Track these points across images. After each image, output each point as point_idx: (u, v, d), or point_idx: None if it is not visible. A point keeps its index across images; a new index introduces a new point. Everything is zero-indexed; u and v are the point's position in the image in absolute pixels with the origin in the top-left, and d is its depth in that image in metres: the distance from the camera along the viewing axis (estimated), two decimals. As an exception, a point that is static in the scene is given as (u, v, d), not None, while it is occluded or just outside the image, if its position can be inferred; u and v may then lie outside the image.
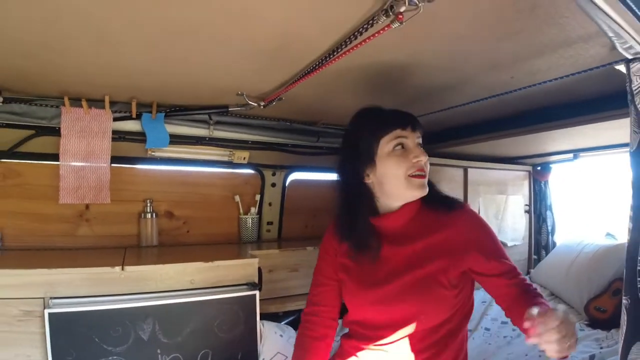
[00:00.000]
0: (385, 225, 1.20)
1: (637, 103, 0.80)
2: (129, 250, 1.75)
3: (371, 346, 1.19)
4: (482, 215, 2.66)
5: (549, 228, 3.04)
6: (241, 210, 2.16)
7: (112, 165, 1.79)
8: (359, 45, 1.09)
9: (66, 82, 1.49)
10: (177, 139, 1.90)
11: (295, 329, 1.78)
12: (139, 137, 1.82)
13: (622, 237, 2.46)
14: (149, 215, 1.92)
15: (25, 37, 1.07)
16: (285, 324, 1.85)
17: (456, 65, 1.35)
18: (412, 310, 1.12)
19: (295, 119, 2.08)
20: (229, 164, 2.11)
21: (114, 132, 1.74)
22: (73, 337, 1.29)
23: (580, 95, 1.64)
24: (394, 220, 1.19)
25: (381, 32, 1.01)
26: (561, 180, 3.07)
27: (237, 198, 2.15)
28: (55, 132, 1.68)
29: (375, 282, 1.18)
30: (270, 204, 2.26)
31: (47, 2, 0.90)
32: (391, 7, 0.94)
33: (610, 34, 0.99)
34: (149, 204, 1.93)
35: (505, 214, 2.80)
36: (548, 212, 3.05)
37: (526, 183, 3.02)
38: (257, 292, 1.54)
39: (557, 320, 0.79)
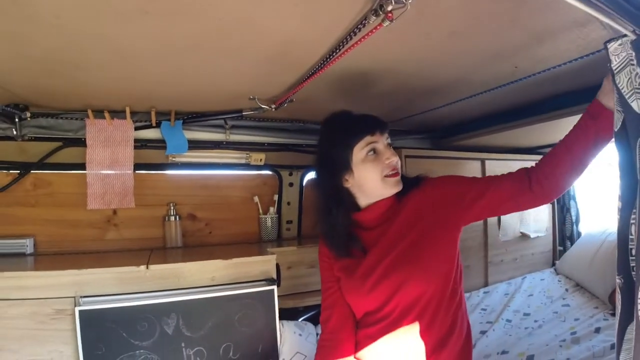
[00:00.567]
0: (367, 217, 1.28)
1: (617, 82, 0.82)
2: (154, 252, 1.84)
3: (381, 329, 1.24)
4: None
5: (573, 218, 2.98)
6: (260, 210, 2.24)
7: (136, 172, 1.90)
8: (355, 46, 1.12)
9: (89, 96, 1.60)
10: (195, 144, 1.99)
11: (315, 324, 1.84)
12: (160, 144, 1.92)
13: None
14: (172, 218, 2.02)
15: (51, 57, 1.18)
16: (305, 319, 1.90)
17: (455, 60, 1.37)
18: (400, 278, 1.18)
19: (307, 120, 2.14)
20: (247, 166, 2.19)
21: (136, 140, 1.85)
22: (102, 332, 1.38)
23: (593, 79, 1.62)
24: (375, 210, 1.27)
25: (374, 31, 1.04)
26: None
27: (256, 199, 2.23)
28: (81, 143, 1.80)
29: (366, 272, 1.25)
30: (288, 203, 2.32)
31: (70, 28, 0.99)
32: (380, 6, 0.98)
33: (603, 19, 1.00)
34: (172, 208, 2.03)
35: (527, 205, 2.76)
36: (572, 202, 2.99)
37: (548, 173, 2.96)
38: (275, 287, 1.60)
39: None
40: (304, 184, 2.35)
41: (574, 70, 1.46)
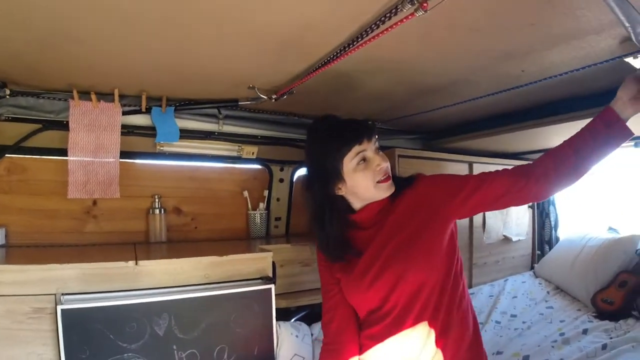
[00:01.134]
0: (362, 217, 1.28)
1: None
2: (138, 247, 1.73)
3: (385, 327, 1.23)
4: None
5: (552, 223, 3.06)
6: (250, 206, 2.15)
7: (121, 160, 1.76)
8: (379, 35, 1.08)
9: (76, 74, 1.47)
10: (186, 134, 1.88)
11: (308, 324, 1.78)
12: (148, 131, 1.81)
13: (624, 230, 2.49)
14: (157, 211, 1.91)
15: (38, 25, 1.05)
16: (298, 319, 1.84)
17: (469, 59, 1.35)
18: (398, 271, 1.19)
19: (304, 114, 2.07)
20: (237, 159, 2.10)
21: (123, 126, 1.72)
22: (86, 334, 1.26)
23: (586, 88, 1.65)
24: (369, 211, 1.27)
25: (404, 20, 1.00)
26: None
27: (246, 193, 2.14)
28: (63, 126, 1.65)
29: (364, 268, 1.25)
30: (278, 200, 2.25)
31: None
32: (415, -6, 0.94)
33: (627, 24, 1.00)
34: (157, 200, 1.92)
35: (510, 209, 2.80)
36: (551, 207, 3.07)
37: (529, 178, 3.02)
38: (272, 286, 1.53)
39: None
40: (295, 180, 2.29)
41: (571, 79, 1.48)
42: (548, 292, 2.50)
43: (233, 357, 1.45)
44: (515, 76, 1.48)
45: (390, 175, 1.23)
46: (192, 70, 1.44)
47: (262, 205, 2.16)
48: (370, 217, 1.27)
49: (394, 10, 0.99)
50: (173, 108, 1.76)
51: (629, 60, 1.22)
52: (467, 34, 1.15)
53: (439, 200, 1.23)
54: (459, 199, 1.21)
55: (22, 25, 1.05)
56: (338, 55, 1.24)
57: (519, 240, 2.88)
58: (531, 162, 1.21)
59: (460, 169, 2.56)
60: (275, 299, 1.55)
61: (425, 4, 0.94)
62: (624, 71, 1.30)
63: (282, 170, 2.22)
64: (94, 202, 1.82)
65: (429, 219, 1.22)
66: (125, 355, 1.30)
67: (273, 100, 1.65)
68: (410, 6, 0.95)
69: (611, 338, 1.79)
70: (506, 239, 2.78)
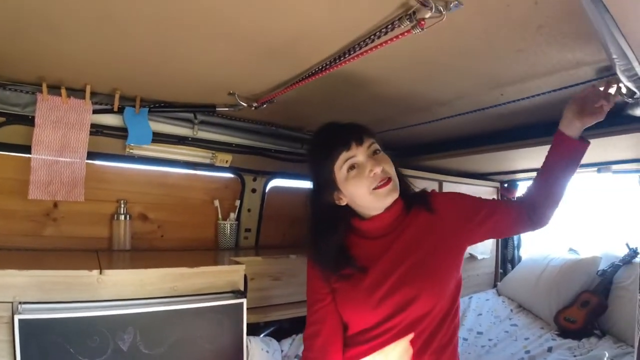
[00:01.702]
0: (372, 227, 1.22)
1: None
2: (100, 254, 1.62)
3: (375, 346, 1.16)
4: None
5: (515, 243, 3.14)
6: (220, 216, 2.07)
7: (87, 161, 1.65)
8: (372, 50, 1.07)
9: (45, 66, 1.37)
10: (158, 137, 1.79)
11: (277, 339, 1.73)
12: (118, 132, 1.71)
13: (584, 252, 2.59)
14: (122, 217, 1.81)
15: (11, 6, 0.96)
16: (267, 334, 1.78)
17: (453, 81, 1.38)
18: (412, 293, 1.11)
19: (281, 124, 2.04)
20: (210, 167, 2.02)
21: (92, 125, 1.62)
22: (45, 346, 1.16)
23: (554, 115, 1.68)
24: (380, 221, 1.20)
25: (400, 37, 1.00)
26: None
27: (217, 203, 2.06)
28: (28, 121, 1.54)
29: (373, 284, 1.16)
30: (249, 210, 2.19)
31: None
32: (414, 12, 0.93)
33: (614, 56, 1.03)
34: (122, 205, 1.82)
35: (475, 227, 2.85)
36: (514, 227, 3.14)
37: (495, 199, 3.10)
38: (244, 301, 1.47)
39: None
40: (267, 190, 2.23)
41: (545, 104, 1.53)
42: (511, 310, 2.55)
43: (201, 374, 1.38)
44: (494, 98, 1.51)
45: (391, 177, 1.15)
46: (170, 71, 1.37)
47: (232, 216, 2.09)
48: (381, 227, 1.21)
49: (390, 26, 0.99)
50: (147, 109, 1.68)
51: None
52: (457, 55, 1.17)
53: (456, 221, 1.19)
54: (475, 223, 1.19)
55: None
56: (325, 67, 1.22)
57: (484, 258, 2.93)
58: (523, 196, 1.26)
59: (430, 187, 2.56)
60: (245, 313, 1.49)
61: (422, 22, 0.94)
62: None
63: (255, 180, 2.16)
64: (55, 205, 1.70)
65: (446, 241, 1.17)
66: (86, 371, 1.21)
67: (253, 108, 1.61)
68: (408, 23, 0.95)
69: (575, 356, 1.85)
70: (472, 257, 2.83)
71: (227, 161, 2.00)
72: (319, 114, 1.80)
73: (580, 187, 2.95)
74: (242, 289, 1.53)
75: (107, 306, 1.28)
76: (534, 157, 2.26)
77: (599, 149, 1.92)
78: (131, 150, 1.78)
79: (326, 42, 1.11)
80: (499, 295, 2.83)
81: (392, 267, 1.16)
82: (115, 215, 1.81)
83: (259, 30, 1.05)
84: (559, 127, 1.20)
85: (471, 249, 2.82)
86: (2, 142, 1.57)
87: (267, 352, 1.55)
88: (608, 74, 1.21)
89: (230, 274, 1.54)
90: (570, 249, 2.72)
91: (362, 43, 1.07)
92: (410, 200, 1.24)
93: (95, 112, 1.61)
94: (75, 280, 1.27)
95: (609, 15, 0.82)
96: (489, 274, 3.06)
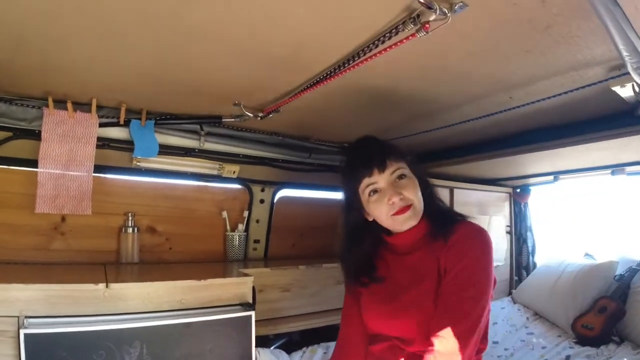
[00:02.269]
0: (397, 242, 1.24)
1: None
2: (108, 267, 1.61)
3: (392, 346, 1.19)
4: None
5: (530, 249, 3.07)
6: (228, 227, 2.06)
7: (93, 174, 1.65)
8: (376, 55, 1.06)
9: (51, 80, 1.38)
10: (165, 149, 1.79)
11: (288, 352, 1.70)
12: (125, 145, 1.71)
13: (601, 257, 2.52)
14: (130, 230, 1.80)
15: (17, 21, 0.97)
16: (277, 347, 1.75)
17: (461, 84, 1.35)
18: (413, 324, 1.12)
19: (288, 134, 2.02)
20: (217, 178, 2.01)
21: (98, 138, 1.63)
22: (51, 361, 1.15)
23: (566, 118, 1.67)
24: (404, 238, 1.22)
25: (405, 41, 0.98)
26: (541, 201, 3.13)
27: (225, 214, 2.05)
28: (35, 135, 1.55)
29: (387, 296, 1.20)
30: (257, 221, 2.17)
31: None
32: (418, 15, 0.92)
33: (625, 53, 1.00)
34: (130, 218, 1.81)
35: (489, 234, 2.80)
36: (528, 233, 3.08)
37: (507, 204, 3.05)
38: (252, 313, 1.45)
39: None
40: (275, 201, 2.22)
41: (554, 107, 1.50)
42: (527, 318, 2.49)
43: (209, 389, 1.35)
44: (503, 101, 1.48)
45: (412, 204, 1.14)
46: (176, 83, 1.38)
47: (240, 227, 2.07)
48: (404, 244, 1.22)
49: (394, 31, 0.97)
50: (153, 122, 1.68)
51: (616, 89, 1.24)
52: (464, 58, 1.15)
53: (444, 268, 1.12)
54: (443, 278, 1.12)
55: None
56: (330, 75, 1.21)
57: (497, 265, 2.88)
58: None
59: (442, 194, 2.53)
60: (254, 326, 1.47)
61: (427, 25, 0.92)
62: (608, 98, 1.32)
63: (263, 191, 2.15)
64: (63, 218, 1.70)
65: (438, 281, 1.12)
66: (92, 385, 1.20)
67: (259, 118, 1.60)
68: (412, 27, 0.93)
69: (594, 364, 1.79)
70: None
71: (234, 172, 1.99)
72: (325, 122, 1.80)
73: (594, 190, 2.89)
74: (250, 301, 1.51)
75: (113, 320, 1.27)
76: (546, 161, 2.23)
77: (612, 150, 1.89)
78: (138, 163, 1.77)
79: (330, 50, 1.10)
80: (515, 303, 2.76)
81: (402, 289, 1.18)
82: (123, 228, 1.80)
83: (262, 41, 1.05)
84: None
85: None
86: (9, 156, 1.58)
87: (277, 364, 1.52)
88: (620, 74, 1.18)
89: (239, 286, 1.52)
90: (586, 254, 2.66)
91: (366, 49, 1.06)
92: (445, 220, 1.20)
93: (101, 125, 1.62)
94: (81, 294, 1.26)
95: (618, 9, 0.79)
96: (504, 282, 3.00)
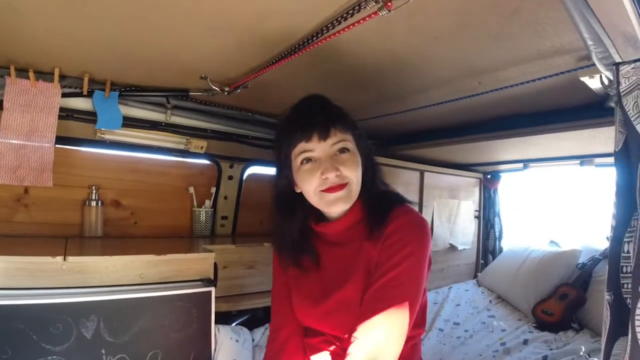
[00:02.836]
0: (326, 231, 1.12)
1: (624, 104, 0.82)
2: (70, 241, 1.58)
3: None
4: (436, 219, 2.69)
5: (497, 234, 3.15)
6: (195, 203, 2.04)
7: (57, 145, 1.61)
8: (341, 32, 1.05)
9: (13, 49, 1.32)
10: (130, 122, 1.75)
11: (250, 328, 1.71)
12: (89, 116, 1.66)
13: (565, 244, 2.59)
14: (94, 203, 1.77)
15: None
16: (239, 323, 1.76)
17: (428, 67, 1.35)
18: (344, 326, 1.04)
19: (256, 110, 1.99)
20: (185, 153, 1.98)
21: (62, 109, 1.58)
22: (8, 333, 1.13)
23: (536, 105, 1.69)
24: (337, 226, 1.09)
25: (367, 19, 0.97)
26: (510, 188, 3.20)
27: (192, 189, 2.03)
28: (-3, 105, 1.49)
29: (319, 295, 1.09)
30: (225, 198, 2.16)
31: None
32: (381, -7, 0.91)
33: (590, 42, 1.01)
34: (94, 191, 1.78)
35: (457, 218, 2.86)
36: (496, 219, 3.16)
37: (477, 190, 3.11)
38: (212, 289, 1.45)
39: None
40: (244, 178, 2.20)
41: (524, 94, 1.52)
42: (490, 301, 2.56)
43: (167, 363, 1.36)
44: (472, 87, 1.49)
45: (348, 183, 1.01)
46: (141, 54, 1.34)
47: (208, 203, 2.06)
48: (335, 233, 1.10)
49: (357, 7, 0.96)
50: (117, 93, 1.64)
51: (585, 79, 1.25)
52: (430, 41, 1.14)
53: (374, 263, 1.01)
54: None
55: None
56: (296, 50, 1.19)
57: (464, 249, 2.94)
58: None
59: (412, 177, 2.58)
60: (216, 302, 1.46)
61: (389, 4, 0.92)
62: (578, 89, 1.34)
63: (231, 167, 2.13)
64: (26, 190, 1.65)
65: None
66: (50, 357, 1.18)
67: (226, 93, 1.58)
68: (374, 4, 0.92)
69: (551, 350, 1.84)
70: (452, 247, 2.83)
71: (202, 147, 1.96)
72: (293, 99, 1.77)
73: (562, 179, 2.96)
74: (212, 277, 1.50)
75: (70, 293, 1.25)
76: (516, 148, 2.27)
77: (581, 141, 1.93)
78: (102, 135, 1.73)
79: (294, 23, 1.08)
80: (479, 286, 2.83)
81: (335, 286, 1.06)
82: (87, 202, 1.77)
83: (224, 10, 1.02)
84: None
85: (453, 239, 2.82)
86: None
87: (237, 341, 1.53)
88: (589, 64, 1.18)
89: (200, 262, 1.50)
90: (551, 241, 2.73)
91: (329, 26, 1.05)
92: (375, 212, 1.05)
93: (64, 95, 1.57)
94: (39, 267, 1.24)
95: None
96: (470, 265, 3.07)
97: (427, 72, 1.38)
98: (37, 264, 1.24)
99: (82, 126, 1.69)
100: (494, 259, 3.09)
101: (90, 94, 1.61)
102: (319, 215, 1.13)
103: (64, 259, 1.26)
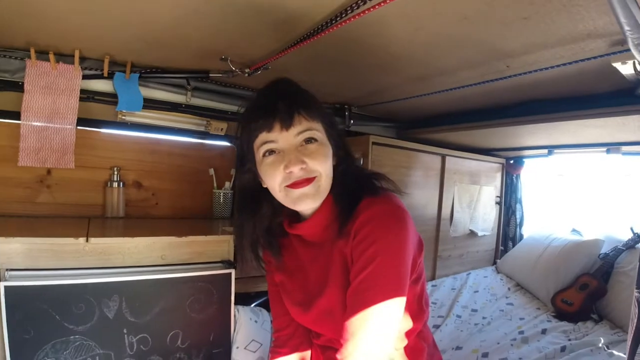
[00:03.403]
0: (304, 231, 1.04)
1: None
2: (92, 221, 1.61)
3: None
4: (456, 204, 2.66)
5: (518, 220, 3.10)
6: (215, 184, 2.05)
7: (78, 127, 1.63)
8: (365, 12, 1.01)
9: (34, 31, 1.33)
10: (150, 104, 1.76)
11: (268, 309, 1.72)
12: (110, 98, 1.68)
13: (588, 234, 2.54)
14: (115, 184, 1.78)
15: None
16: (257, 305, 1.78)
17: (455, 49, 1.31)
18: (335, 329, 0.96)
19: (278, 93, 1.97)
20: (205, 135, 1.98)
21: (82, 91, 1.59)
22: (31, 313, 1.16)
23: (565, 90, 1.64)
24: (307, 228, 1.01)
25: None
26: (533, 174, 3.13)
27: (212, 171, 2.03)
28: (18, 87, 1.51)
29: (302, 301, 1.06)
30: (245, 180, 2.15)
31: None
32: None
33: (627, 28, 0.96)
34: (116, 172, 1.79)
35: (477, 204, 2.81)
36: (518, 205, 3.10)
37: (499, 175, 3.05)
38: (232, 271, 1.46)
39: None
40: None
41: (553, 79, 1.47)
42: (509, 289, 2.53)
43: (187, 342, 1.38)
44: (499, 70, 1.44)
45: (313, 178, 0.91)
46: (161, 35, 1.33)
47: (227, 185, 2.06)
48: (313, 233, 1.01)
49: (383, -14, 0.93)
50: (138, 75, 1.64)
51: (617, 65, 1.19)
52: (457, 22, 1.10)
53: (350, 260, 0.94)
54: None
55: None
56: (318, 31, 1.16)
57: (484, 235, 2.90)
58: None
59: (433, 161, 2.54)
60: (235, 283, 1.48)
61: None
62: (608, 75, 1.29)
63: (251, 149, 2.12)
64: (48, 171, 1.68)
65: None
66: (72, 337, 1.21)
67: (246, 74, 1.56)
68: (400, -17, 0.89)
69: (570, 340, 1.82)
70: (472, 233, 2.79)
71: (222, 129, 1.96)
72: (315, 81, 1.75)
73: (587, 167, 2.88)
74: (231, 259, 1.51)
75: (92, 274, 1.27)
76: (541, 134, 2.21)
77: (609, 128, 1.86)
78: (123, 117, 1.74)
79: (317, 3, 1.05)
80: (498, 272, 2.80)
81: (322, 285, 1.00)
82: (109, 182, 1.78)
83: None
84: None
85: (473, 225, 2.79)
86: (-6, 109, 1.54)
87: (256, 322, 1.54)
88: (622, 49, 1.13)
89: (220, 243, 1.52)
90: (573, 230, 2.67)
91: (354, 5, 1.02)
92: (345, 205, 0.95)
93: (85, 77, 1.58)
94: (61, 248, 1.26)
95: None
96: (489, 251, 3.03)
97: (454, 53, 1.34)
98: (60, 245, 1.26)
99: (103, 108, 1.71)
100: (514, 246, 3.04)
101: (110, 76, 1.61)
102: (293, 213, 1.05)
103: (87, 240, 1.27)
